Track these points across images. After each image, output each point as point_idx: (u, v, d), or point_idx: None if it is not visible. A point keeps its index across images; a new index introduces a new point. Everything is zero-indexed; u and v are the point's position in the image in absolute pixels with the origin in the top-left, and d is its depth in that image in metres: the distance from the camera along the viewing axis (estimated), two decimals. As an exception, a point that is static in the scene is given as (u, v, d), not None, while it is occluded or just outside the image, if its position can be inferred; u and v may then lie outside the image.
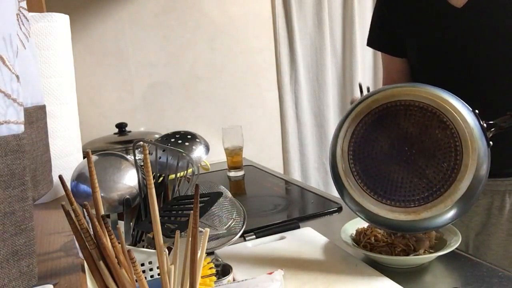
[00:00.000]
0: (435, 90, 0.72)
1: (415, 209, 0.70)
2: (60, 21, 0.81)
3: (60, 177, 0.42)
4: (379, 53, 1.38)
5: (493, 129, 0.72)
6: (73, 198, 0.41)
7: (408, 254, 0.75)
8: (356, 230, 0.83)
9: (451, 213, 0.69)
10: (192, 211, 0.42)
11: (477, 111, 0.71)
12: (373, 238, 0.78)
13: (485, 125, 0.70)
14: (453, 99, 0.71)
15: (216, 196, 0.67)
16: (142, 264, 0.64)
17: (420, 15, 1.00)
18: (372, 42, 1.15)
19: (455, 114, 0.69)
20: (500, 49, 0.92)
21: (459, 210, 0.69)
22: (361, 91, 0.89)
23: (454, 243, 0.74)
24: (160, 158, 0.78)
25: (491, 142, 0.70)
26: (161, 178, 0.78)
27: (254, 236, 0.92)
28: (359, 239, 0.80)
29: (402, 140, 0.73)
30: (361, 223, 0.85)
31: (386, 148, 0.74)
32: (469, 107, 0.72)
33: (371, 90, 0.82)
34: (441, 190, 0.70)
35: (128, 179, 0.76)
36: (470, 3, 0.91)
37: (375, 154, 0.74)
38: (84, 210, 0.44)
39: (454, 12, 0.93)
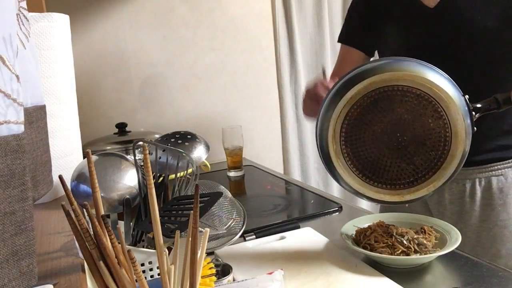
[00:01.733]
0: (433, 75, 0.71)
1: (399, 191, 0.75)
2: (60, 21, 0.81)
3: (60, 177, 0.42)
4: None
5: (477, 114, 0.73)
6: (73, 198, 0.41)
7: (408, 254, 0.75)
8: (356, 230, 0.83)
9: (429, 194, 0.75)
10: (192, 211, 0.42)
11: (467, 96, 0.71)
12: (373, 239, 0.78)
13: (473, 112, 0.71)
14: (449, 85, 0.70)
15: (216, 196, 0.67)
16: (142, 264, 0.64)
17: (395, 15, 1.01)
18: (346, 38, 1.15)
19: (450, 105, 0.70)
20: (472, 47, 0.92)
21: (436, 190, 0.75)
22: (324, 75, 0.98)
23: (454, 243, 0.74)
24: (160, 158, 0.78)
25: (475, 128, 0.72)
26: (161, 178, 0.78)
27: (254, 236, 0.92)
28: (359, 239, 0.80)
29: (395, 126, 0.74)
30: (361, 223, 0.85)
31: (379, 132, 0.74)
32: (461, 91, 0.71)
33: None
34: (425, 176, 0.74)
35: (128, 179, 0.76)
36: (442, 3, 0.92)
37: (367, 137, 0.75)
38: (84, 210, 0.44)
39: (426, 12, 0.94)
